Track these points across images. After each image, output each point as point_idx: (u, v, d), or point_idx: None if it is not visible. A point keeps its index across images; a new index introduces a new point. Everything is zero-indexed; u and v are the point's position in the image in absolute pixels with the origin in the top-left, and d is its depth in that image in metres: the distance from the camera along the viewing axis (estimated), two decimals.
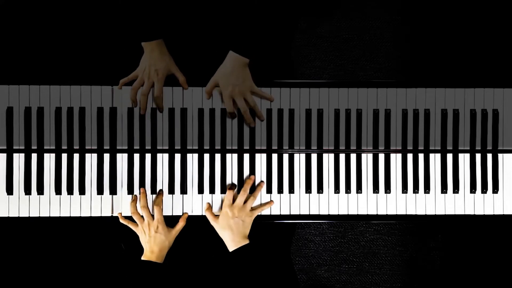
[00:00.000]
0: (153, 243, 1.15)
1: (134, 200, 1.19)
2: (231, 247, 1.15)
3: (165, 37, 1.20)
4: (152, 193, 1.21)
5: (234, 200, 1.19)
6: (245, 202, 1.19)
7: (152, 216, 1.18)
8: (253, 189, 1.21)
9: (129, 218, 1.19)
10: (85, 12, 1.45)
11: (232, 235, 1.15)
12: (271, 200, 1.22)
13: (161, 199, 1.20)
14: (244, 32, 1.15)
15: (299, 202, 1.23)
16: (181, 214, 1.21)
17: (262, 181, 1.21)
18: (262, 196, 1.22)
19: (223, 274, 1.34)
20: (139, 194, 1.19)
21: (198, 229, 1.43)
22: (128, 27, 1.32)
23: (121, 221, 1.19)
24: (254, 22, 1.15)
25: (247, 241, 1.15)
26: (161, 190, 1.21)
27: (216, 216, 1.19)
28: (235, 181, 1.22)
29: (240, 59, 1.15)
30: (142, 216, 1.18)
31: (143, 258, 1.15)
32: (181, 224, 1.19)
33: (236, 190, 1.21)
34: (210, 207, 1.21)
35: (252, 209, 1.20)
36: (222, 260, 1.34)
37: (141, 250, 1.17)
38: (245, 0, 1.28)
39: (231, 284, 1.14)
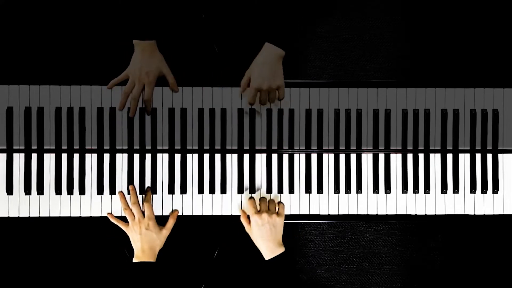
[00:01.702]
0: (144, 241, 1.13)
1: (123, 197, 1.19)
2: (267, 255, 1.13)
3: (160, 38, 1.18)
4: (152, 193, 1.20)
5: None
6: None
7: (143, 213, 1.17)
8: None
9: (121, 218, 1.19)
10: (85, 12, 1.45)
11: (267, 243, 1.13)
12: (280, 202, 1.21)
13: (150, 196, 1.19)
14: (279, 24, 1.12)
15: (299, 202, 1.23)
16: (181, 214, 1.21)
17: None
18: (261, 195, 1.22)
19: (222, 275, 1.34)
20: (126, 191, 1.19)
21: (199, 229, 1.43)
22: (123, 23, 1.30)
23: (112, 220, 1.18)
24: (286, 16, 1.13)
25: (282, 249, 1.13)
26: (148, 187, 1.20)
27: (250, 225, 1.18)
28: (235, 181, 1.22)
29: (275, 51, 1.12)
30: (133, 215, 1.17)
31: (134, 260, 1.14)
32: (171, 222, 1.18)
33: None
34: (245, 214, 1.20)
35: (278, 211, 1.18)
36: (220, 261, 1.34)
37: None
38: (245, 1, 1.28)
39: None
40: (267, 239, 1.13)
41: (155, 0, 1.14)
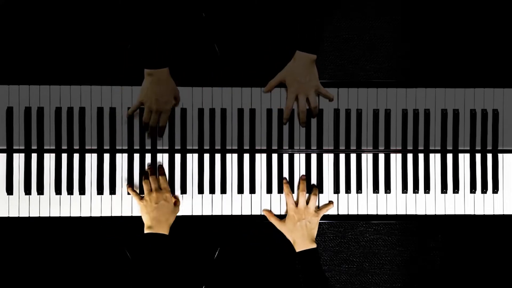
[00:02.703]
0: (160, 212, 1.12)
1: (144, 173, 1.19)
2: (298, 248, 1.15)
3: (173, 64, 1.17)
4: None
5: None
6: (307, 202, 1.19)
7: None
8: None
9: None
10: (85, 12, 1.45)
11: (300, 237, 1.15)
12: (331, 202, 1.22)
13: (163, 171, 1.19)
14: (306, 30, 1.16)
15: None
16: (181, 214, 1.21)
17: (314, 185, 1.22)
18: (261, 196, 1.22)
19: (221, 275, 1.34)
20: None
21: (199, 229, 1.43)
22: (134, 54, 1.30)
23: (129, 190, 1.18)
24: (307, 19, 1.16)
25: (314, 245, 1.15)
26: (160, 163, 1.20)
27: (282, 220, 1.19)
28: (235, 181, 1.22)
29: (307, 56, 1.16)
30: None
31: (146, 231, 1.12)
32: (179, 205, 1.20)
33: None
34: (271, 212, 1.21)
35: (317, 209, 1.20)
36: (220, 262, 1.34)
37: None
38: (245, 1, 1.28)
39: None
40: (301, 234, 1.16)
41: (166, 27, 1.12)
